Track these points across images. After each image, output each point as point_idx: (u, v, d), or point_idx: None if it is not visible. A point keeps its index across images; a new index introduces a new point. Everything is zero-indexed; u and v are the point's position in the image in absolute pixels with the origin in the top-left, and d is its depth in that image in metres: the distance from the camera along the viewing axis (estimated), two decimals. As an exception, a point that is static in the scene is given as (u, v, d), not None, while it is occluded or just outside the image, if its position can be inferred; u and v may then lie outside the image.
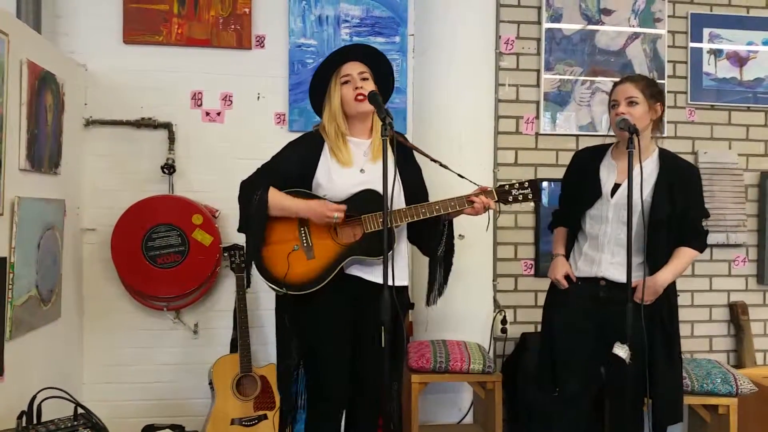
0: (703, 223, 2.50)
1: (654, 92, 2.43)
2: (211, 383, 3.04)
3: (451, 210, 2.24)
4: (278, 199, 2.21)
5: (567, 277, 2.51)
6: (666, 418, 2.45)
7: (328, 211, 2.16)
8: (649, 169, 2.42)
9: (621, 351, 2.18)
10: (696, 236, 2.46)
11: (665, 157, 2.49)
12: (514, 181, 2.30)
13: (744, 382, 2.84)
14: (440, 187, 2.57)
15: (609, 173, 2.48)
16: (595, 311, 2.41)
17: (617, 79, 2.56)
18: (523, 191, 2.27)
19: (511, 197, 2.28)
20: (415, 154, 2.41)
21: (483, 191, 2.26)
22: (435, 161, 2.35)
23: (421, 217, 2.22)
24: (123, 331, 3.23)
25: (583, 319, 2.45)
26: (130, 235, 3.05)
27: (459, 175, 2.31)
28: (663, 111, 2.47)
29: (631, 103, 2.39)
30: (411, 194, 2.29)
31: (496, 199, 2.27)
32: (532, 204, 2.34)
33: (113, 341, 3.22)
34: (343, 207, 2.18)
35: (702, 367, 2.93)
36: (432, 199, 2.39)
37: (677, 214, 2.39)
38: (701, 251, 2.49)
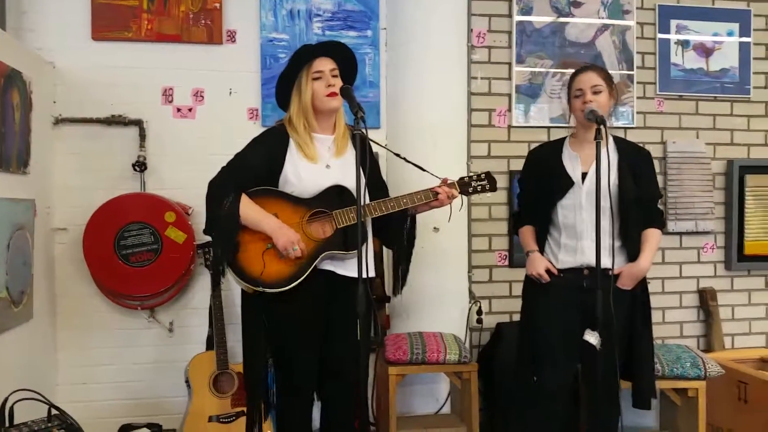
0: (659, 203, 2.66)
1: (611, 80, 2.54)
2: (187, 381, 3.03)
3: (417, 202, 2.33)
4: (251, 213, 2.21)
5: (548, 271, 2.54)
6: (650, 395, 2.55)
7: (291, 244, 2.17)
8: (610, 155, 2.48)
9: (591, 337, 2.23)
10: (659, 216, 2.62)
11: (620, 142, 2.60)
12: (472, 174, 2.45)
13: (712, 365, 2.92)
14: (408, 179, 2.62)
15: (573, 163, 2.54)
16: (580, 300, 2.44)
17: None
18: (480, 182, 2.44)
19: (470, 188, 2.44)
20: (373, 147, 2.45)
21: (445, 183, 2.36)
22: (397, 155, 2.42)
23: (391, 211, 2.29)
24: (97, 330, 3.20)
25: (568, 310, 2.49)
26: (102, 233, 3.02)
27: (420, 168, 2.39)
28: (618, 97, 2.57)
29: (597, 92, 2.46)
30: (372, 188, 2.34)
31: (459, 190, 2.40)
32: (489, 194, 2.47)
33: (87, 341, 3.19)
34: (302, 245, 2.19)
35: (672, 352, 3.00)
36: (395, 191, 2.46)
37: (640, 196, 2.49)
38: (663, 229, 2.65)
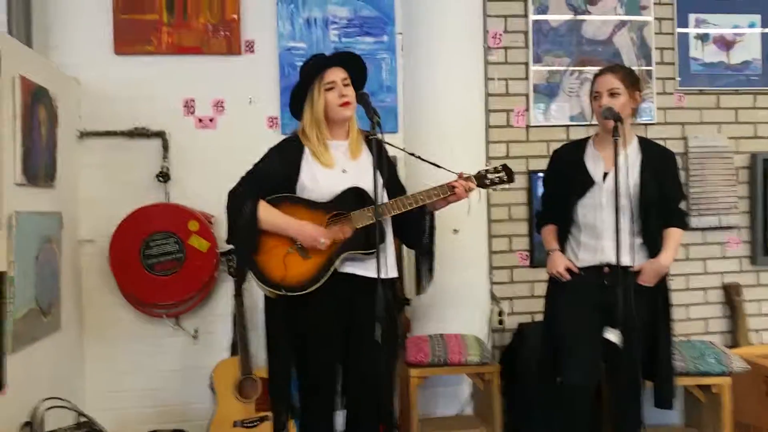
0: (682, 204, 2.66)
1: (633, 81, 2.51)
2: (212, 387, 3.08)
3: (435, 198, 2.33)
4: (270, 217, 2.26)
5: (569, 270, 2.55)
6: (670, 394, 2.55)
7: (319, 236, 2.22)
8: (633, 155, 2.53)
9: (612, 335, 2.22)
10: (681, 216, 2.63)
11: (644, 143, 2.60)
12: (489, 167, 2.43)
13: (736, 361, 2.88)
14: (425, 179, 2.61)
15: (596, 163, 2.54)
16: (600, 299, 2.44)
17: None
18: (498, 174, 2.42)
19: (488, 180, 2.42)
20: (390, 150, 2.47)
21: (461, 177, 2.36)
22: (412, 154, 2.44)
23: (408, 208, 2.30)
24: (124, 339, 3.26)
25: (589, 308, 2.49)
26: (128, 244, 3.08)
27: (435, 165, 2.39)
28: (641, 98, 2.56)
29: (614, 94, 2.46)
30: (390, 190, 2.36)
31: (476, 183, 2.38)
32: (507, 186, 2.45)
33: (114, 350, 3.25)
34: (330, 234, 2.23)
35: (695, 348, 2.97)
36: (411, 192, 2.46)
37: (663, 196, 2.50)
38: (685, 229, 2.64)
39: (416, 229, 2.43)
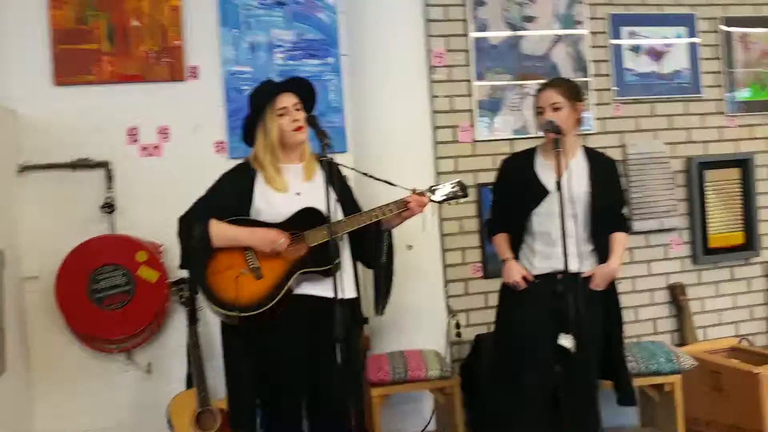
0: (624, 210, 2.79)
1: (574, 93, 2.59)
2: (169, 422, 3.00)
3: (389, 213, 2.34)
4: (222, 230, 2.25)
5: (524, 278, 2.60)
6: (632, 390, 2.64)
7: (274, 236, 2.21)
8: (581, 164, 2.62)
9: (566, 341, 2.27)
10: (625, 221, 2.75)
11: (590, 152, 2.69)
12: (443, 182, 2.45)
13: (685, 358, 2.99)
14: (379, 200, 2.63)
15: (546, 172, 2.59)
16: (554, 305, 2.48)
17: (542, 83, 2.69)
18: (452, 189, 2.44)
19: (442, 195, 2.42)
20: (342, 171, 2.49)
21: (415, 192, 2.37)
22: (364, 174, 2.45)
23: (363, 224, 2.30)
24: (74, 377, 3.15)
25: (543, 315, 2.53)
26: (74, 279, 2.99)
27: (388, 183, 2.41)
28: (582, 109, 2.63)
29: (556, 108, 2.53)
30: (345, 209, 2.36)
31: (429, 197, 2.40)
32: (461, 201, 2.47)
33: (65, 389, 3.14)
34: (286, 234, 2.22)
35: (646, 349, 3.07)
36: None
37: (608, 203, 2.59)
38: (629, 233, 2.78)
39: (374, 248, 2.42)
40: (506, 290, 2.70)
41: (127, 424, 3.20)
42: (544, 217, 2.57)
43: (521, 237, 2.66)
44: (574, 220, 2.40)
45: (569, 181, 2.41)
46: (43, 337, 3.13)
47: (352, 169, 2.48)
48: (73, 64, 3.16)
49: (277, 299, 2.22)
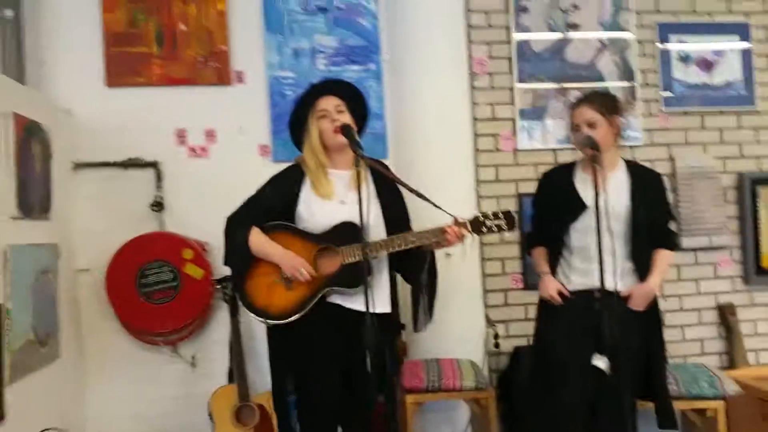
0: (671, 225, 2.67)
1: (611, 107, 2.52)
2: (210, 414, 3.09)
3: (426, 241, 2.27)
4: (259, 243, 2.29)
5: (560, 293, 2.56)
6: (672, 412, 2.55)
7: (299, 265, 2.24)
8: (621, 179, 2.55)
9: (600, 362, 2.23)
10: (670, 238, 2.64)
11: (632, 166, 2.62)
12: (488, 212, 2.29)
13: (729, 384, 2.89)
14: (425, 212, 2.62)
15: (585, 186, 2.54)
16: (591, 323, 2.43)
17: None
18: (497, 222, 2.28)
19: (485, 228, 2.28)
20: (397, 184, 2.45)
21: (456, 222, 2.27)
22: (412, 191, 2.35)
23: (396, 249, 2.26)
24: (123, 366, 3.28)
25: (579, 332, 2.48)
26: (124, 273, 3.11)
27: (434, 205, 2.30)
28: (623, 122, 2.56)
29: (591, 125, 2.48)
30: (392, 222, 2.34)
31: (470, 229, 2.28)
32: (507, 234, 2.34)
33: (114, 377, 3.27)
34: (311, 269, 2.25)
35: (689, 372, 2.97)
36: (415, 225, 2.44)
37: (653, 218, 2.51)
38: (675, 250, 2.66)
39: (414, 267, 2.38)
40: (544, 304, 2.67)
41: (170, 414, 3.30)
42: (581, 233, 2.52)
43: (560, 252, 2.61)
44: (612, 237, 2.34)
45: (608, 196, 2.35)
46: (94, 327, 3.26)
47: (403, 183, 2.43)
48: (124, 66, 3.30)
49: (302, 313, 2.25)
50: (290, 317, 2.26)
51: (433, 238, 2.28)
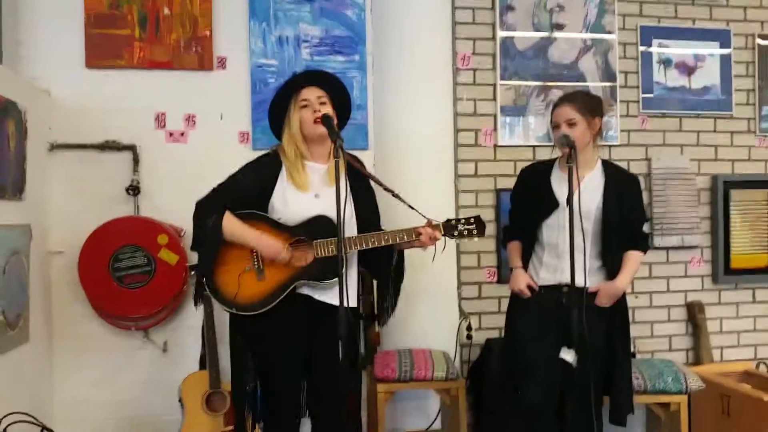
0: (644, 227, 2.71)
1: (591, 107, 2.56)
2: (180, 400, 3.08)
3: (399, 240, 2.32)
4: (234, 227, 2.27)
5: (529, 287, 2.61)
6: (626, 409, 2.61)
7: (279, 248, 2.23)
8: (596, 179, 2.59)
9: (567, 355, 2.28)
10: (641, 239, 2.67)
11: (608, 166, 2.66)
12: (461, 217, 2.39)
13: (693, 380, 2.96)
14: (398, 211, 2.64)
15: (560, 184, 2.59)
16: (558, 317, 2.50)
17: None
18: (468, 227, 2.37)
19: (456, 232, 2.37)
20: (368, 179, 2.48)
21: (430, 225, 2.34)
22: (387, 190, 2.41)
23: (371, 246, 2.29)
24: (92, 351, 3.25)
25: (546, 326, 2.54)
26: (97, 256, 3.08)
27: (409, 206, 2.37)
28: (602, 123, 2.61)
29: (571, 124, 2.51)
30: (363, 219, 2.36)
31: (443, 232, 2.35)
32: (476, 239, 2.43)
33: (83, 362, 3.25)
34: (288, 253, 2.25)
35: (655, 367, 3.04)
36: (384, 223, 2.48)
37: (624, 219, 2.55)
38: (645, 252, 2.68)
39: (382, 264, 2.44)
40: (513, 299, 2.72)
41: (140, 399, 3.29)
42: (553, 230, 2.57)
43: (532, 247, 2.67)
44: (583, 235, 2.39)
45: (581, 195, 2.40)
46: (65, 310, 3.23)
47: (376, 181, 2.45)
48: (105, 48, 3.24)
49: (273, 304, 2.25)
50: (260, 308, 2.25)
51: (406, 238, 2.32)
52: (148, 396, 3.30)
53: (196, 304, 3.09)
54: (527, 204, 2.68)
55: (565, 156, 2.47)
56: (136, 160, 3.27)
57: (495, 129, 3.60)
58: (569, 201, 2.30)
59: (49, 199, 3.20)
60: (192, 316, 3.32)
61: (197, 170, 3.26)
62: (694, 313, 3.74)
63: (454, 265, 3.48)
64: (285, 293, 2.27)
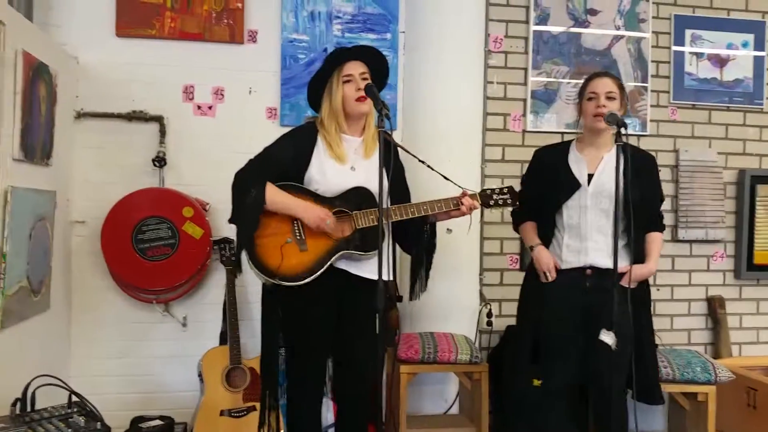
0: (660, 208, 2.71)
1: (623, 90, 2.59)
2: (200, 375, 3.06)
3: (439, 210, 2.35)
4: (278, 196, 2.26)
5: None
6: (655, 396, 2.58)
7: (324, 215, 2.23)
8: (615, 159, 2.51)
9: (607, 337, 2.24)
10: (660, 220, 2.68)
11: (625, 146, 2.58)
12: (494, 187, 2.44)
13: (722, 370, 2.94)
14: (427, 185, 2.63)
15: (579, 165, 2.58)
16: (582, 301, 2.48)
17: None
18: (502, 196, 2.44)
19: (492, 201, 2.44)
20: (400, 152, 2.47)
21: (467, 194, 2.37)
22: (422, 162, 2.43)
23: (411, 216, 2.31)
24: (111, 323, 3.23)
25: (569, 310, 2.52)
26: (120, 227, 3.05)
27: (444, 177, 2.40)
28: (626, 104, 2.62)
29: (611, 98, 2.50)
30: (395, 192, 2.36)
31: (480, 202, 2.40)
32: (510, 208, 2.47)
33: (101, 333, 3.22)
34: (333, 217, 2.25)
35: (682, 357, 3.02)
36: (414, 197, 2.48)
37: (645, 198, 2.53)
38: (662, 233, 2.67)
39: (415, 237, 2.45)
40: (529, 282, 2.68)
41: (159, 374, 3.27)
42: (574, 211, 2.55)
43: (551, 230, 2.63)
44: (605, 215, 2.35)
45: (601, 175, 2.38)
46: (86, 280, 3.21)
47: (412, 154, 2.46)
48: (135, 16, 3.21)
49: (317, 274, 2.24)
50: (304, 278, 2.24)
51: (445, 208, 2.34)
52: (167, 370, 3.28)
53: (229, 282, 3.06)
54: (545, 186, 2.62)
55: (597, 132, 2.47)
56: (162, 132, 3.24)
57: (524, 114, 3.57)
58: (617, 180, 2.25)
59: (73, 167, 3.17)
60: (212, 292, 3.31)
61: (224, 144, 3.27)
62: (714, 308, 3.72)
63: (477, 251, 3.45)
64: (329, 263, 2.26)
